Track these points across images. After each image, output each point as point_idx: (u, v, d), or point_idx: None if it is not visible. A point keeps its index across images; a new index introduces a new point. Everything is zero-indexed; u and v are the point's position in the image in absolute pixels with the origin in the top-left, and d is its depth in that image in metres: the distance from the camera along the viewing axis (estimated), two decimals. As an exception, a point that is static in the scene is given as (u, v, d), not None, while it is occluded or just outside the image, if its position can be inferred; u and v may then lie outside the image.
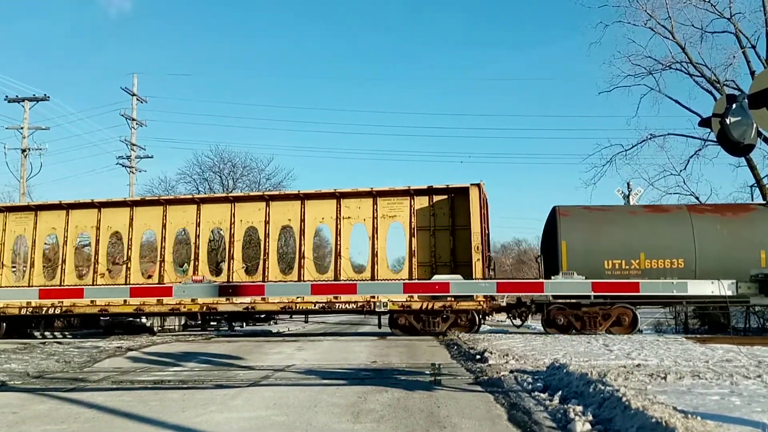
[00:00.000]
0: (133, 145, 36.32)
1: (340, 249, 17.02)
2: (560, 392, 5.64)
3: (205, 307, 16.87)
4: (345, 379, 7.55)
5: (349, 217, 17.08)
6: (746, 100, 4.87)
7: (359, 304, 16.29)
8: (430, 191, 16.79)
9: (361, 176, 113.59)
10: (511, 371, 7.56)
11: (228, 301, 16.32)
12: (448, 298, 15.09)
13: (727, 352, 9.22)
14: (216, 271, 19.53)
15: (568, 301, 15.08)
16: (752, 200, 25.92)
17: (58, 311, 17.81)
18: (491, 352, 9.32)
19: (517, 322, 16.66)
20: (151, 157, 37.78)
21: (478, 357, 9.38)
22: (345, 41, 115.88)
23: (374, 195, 16.96)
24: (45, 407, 5.81)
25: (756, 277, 5.38)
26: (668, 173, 28.04)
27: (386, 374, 7.94)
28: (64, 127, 71.67)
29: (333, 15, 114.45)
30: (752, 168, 25.98)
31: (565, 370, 6.47)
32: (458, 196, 16.56)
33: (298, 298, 16.03)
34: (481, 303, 15.72)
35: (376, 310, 16.24)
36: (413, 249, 16.57)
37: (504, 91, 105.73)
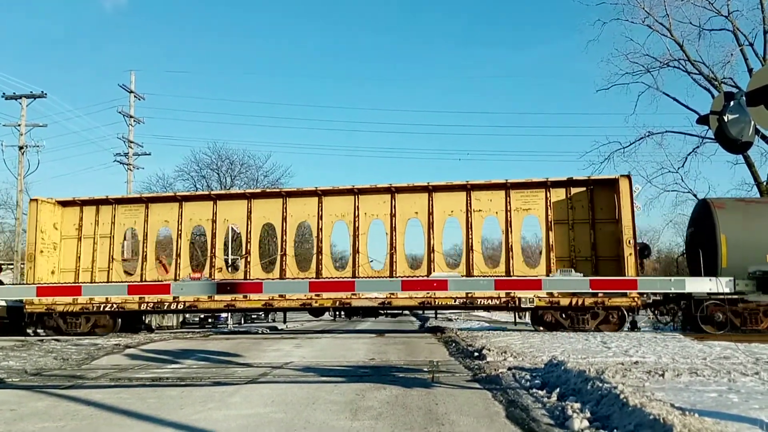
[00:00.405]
0: (131, 142, 36.27)
1: (471, 243, 16.44)
2: (558, 389, 5.64)
3: (338, 302, 16.71)
4: (343, 376, 7.54)
5: (480, 210, 16.63)
6: (744, 98, 4.87)
7: (502, 299, 15.79)
8: (568, 183, 16.36)
9: (360, 174, 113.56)
10: (509, 368, 7.56)
11: (358, 297, 16.16)
12: (599, 295, 14.78)
13: (725, 350, 9.23)
14: (339, 266, 18.52)
15: (726, 297, 14.12)
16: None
17: (180, 306, 17.33)
18: (489, 350, 9.32)
19: (664, 319, 15.86)
20: (149, 154, 37.89)
21: (476, 354, 9.39)
22: (345, 41, 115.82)
23: (507, 187, 16.50)
24: (43, 404, 5.80)
25: (753, 274, 5.38)
26: (666, 170, 28.28)
27: (384, 371, 7.94)
28: (61, 124, 71.68)
29: (333, 15, 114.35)
30: (750, 165, 26.06)
31: (563, 368, 6.47)
32: (598, 188, 16.19)
33: (429, 294, 15.57)
34: (636, 299, 15.09)
35: (522, 306, 15.78)
36: (550, 243, 16.09)
37: (503, 89, 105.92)
